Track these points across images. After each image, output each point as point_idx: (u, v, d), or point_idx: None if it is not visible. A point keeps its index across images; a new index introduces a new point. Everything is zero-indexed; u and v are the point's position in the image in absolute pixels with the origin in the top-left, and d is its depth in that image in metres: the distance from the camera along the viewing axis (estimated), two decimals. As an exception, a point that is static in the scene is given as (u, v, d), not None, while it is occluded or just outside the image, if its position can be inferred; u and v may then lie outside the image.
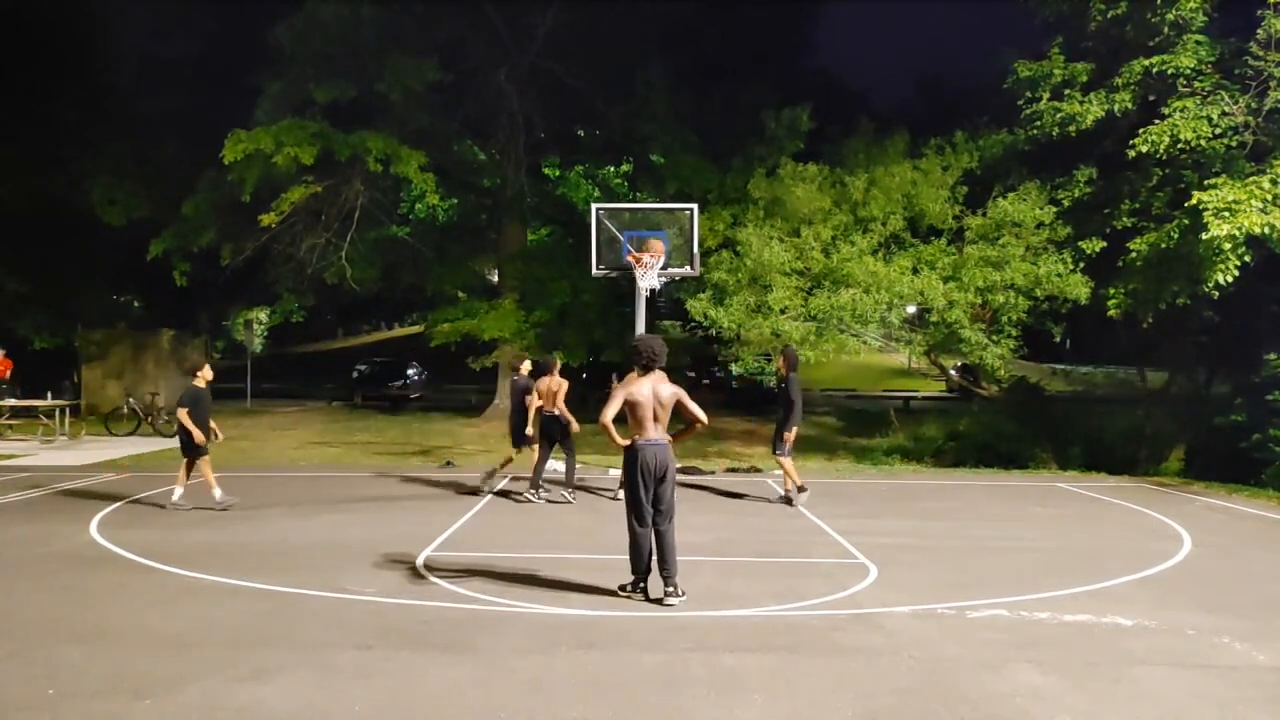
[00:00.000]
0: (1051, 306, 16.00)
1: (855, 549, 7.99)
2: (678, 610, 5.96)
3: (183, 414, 9.44)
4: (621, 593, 6.25)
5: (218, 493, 9.71)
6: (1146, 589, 6.78)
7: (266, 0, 19.26)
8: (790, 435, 10.37)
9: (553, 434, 10.52)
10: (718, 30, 24.59)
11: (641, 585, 6.23)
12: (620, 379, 10.43)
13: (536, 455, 10.68)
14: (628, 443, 6.22)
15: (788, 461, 10.52)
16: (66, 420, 17.27)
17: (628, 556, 6.28)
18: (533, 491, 10.53)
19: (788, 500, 10.61)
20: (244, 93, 19.23)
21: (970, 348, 15.83)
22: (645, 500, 6.12)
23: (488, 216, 24.46)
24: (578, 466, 11.24)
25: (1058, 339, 17.33)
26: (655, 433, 6.17)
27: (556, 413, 10.36)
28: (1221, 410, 14.71)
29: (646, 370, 6.26)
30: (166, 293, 24.16)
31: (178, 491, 9.76)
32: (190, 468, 9.74)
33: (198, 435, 9.44)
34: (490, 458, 15.94)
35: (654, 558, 6.21)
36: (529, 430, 10.53)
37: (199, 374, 9.74)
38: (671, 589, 6.07)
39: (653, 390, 6.19)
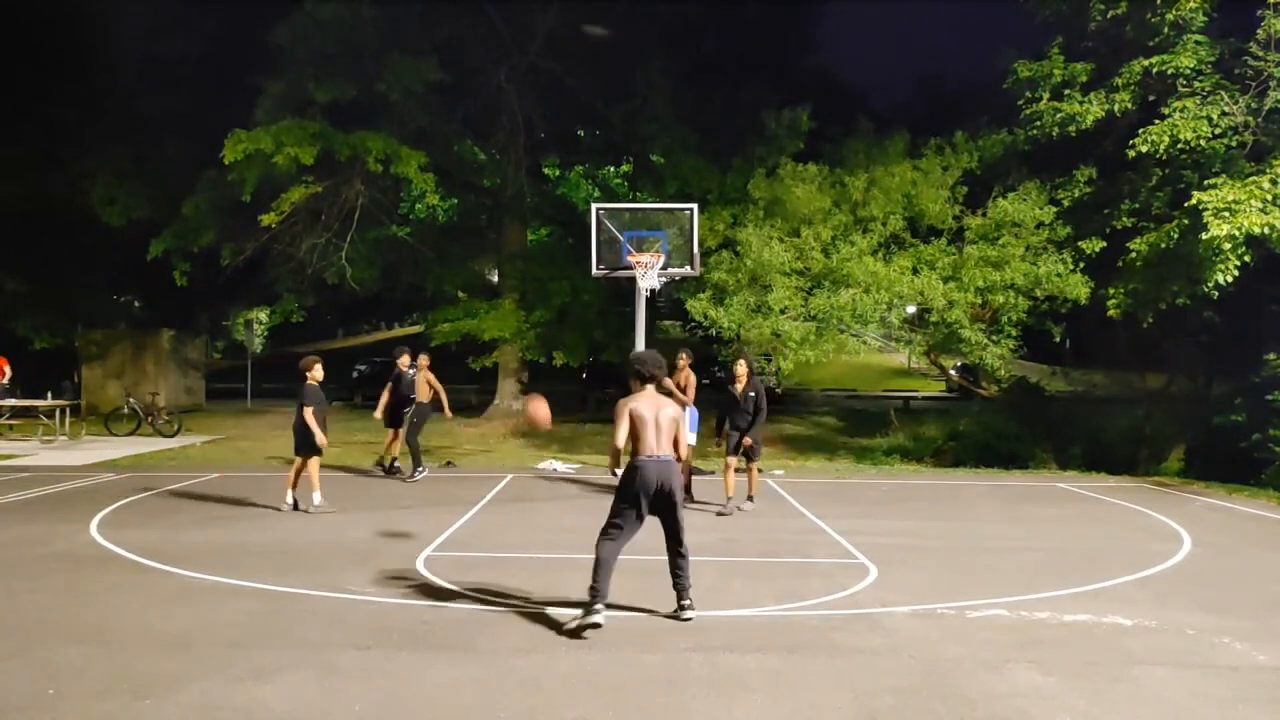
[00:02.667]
0: (1051, 306, 16.02)
1: (855, 549, 7.99)
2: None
3: (308, 413, 9.29)
4: (570, 625, 5.44)
5: (317, 497, 9.56)
6: (1146, 589, 6.78)
7: (266, 0, 19.25)
8: (749, 440, 9.80)
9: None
10: (718, 30, 24.63)
11: (595, 608, 5.40)
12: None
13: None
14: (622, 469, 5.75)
15: (731, 467, 9.93)
16: (66, 420, 17.26)
17: (590, 576, 5.53)
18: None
19: (749, 499, 10.08)
20: (244, 93, 19.20)
21: (970, 348, 15.84)
22: (632, 519, 5.61)
23: (488, 216, 24.44)
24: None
25: (1058, 339, 17.33)
26: (658, 449, 5.67)
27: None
28: (1221, 410, 14.71)
29: (646, 384, 5.86)
30: (166, 293, 24.14)
31: (316, 497, 9.54)
32: (303, 467, 9.56)
33: (320, 436, 9.36)
34: (490, 457, 15.97)
35: (671, 577, 5.76)
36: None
37: (311, 372, 9.48)
38: (686, 602, 5.71)
39: (655, 407, 5.75)
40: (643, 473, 5.58)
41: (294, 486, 9.68)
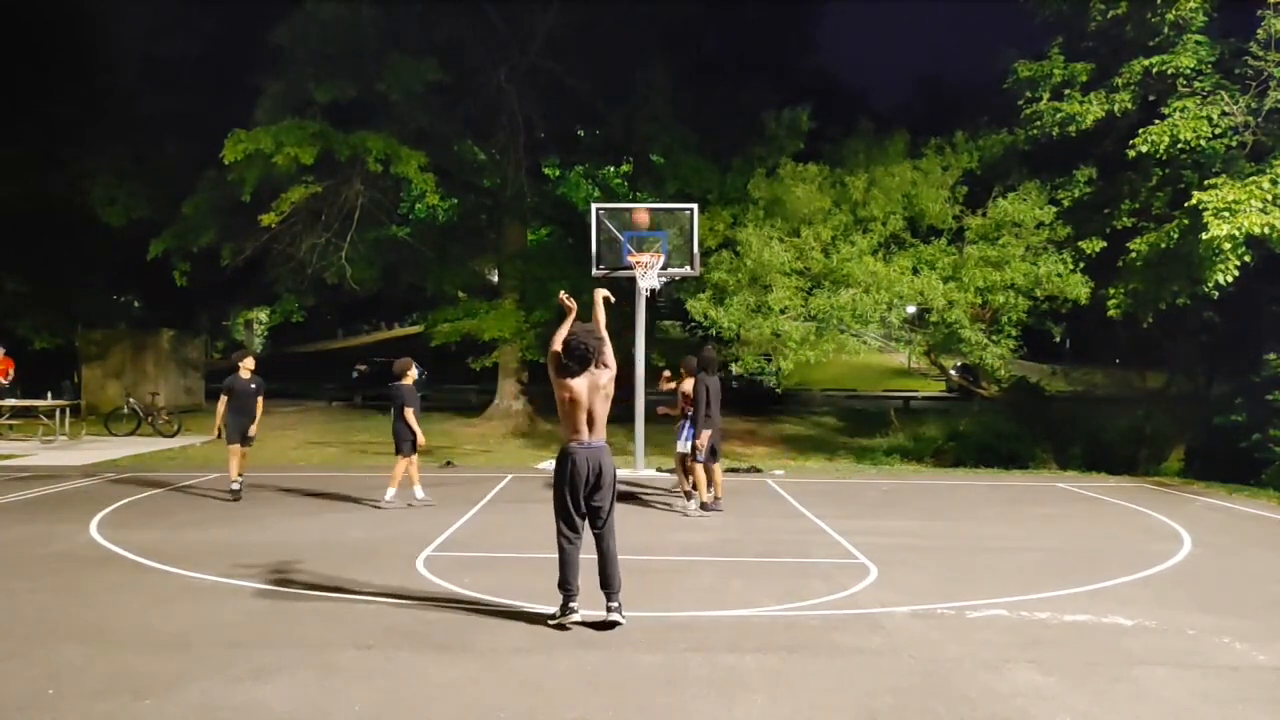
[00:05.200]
0: (1051, 306, 16.02)
1: (855, 549, 7.99)
2: (677, 610, 5.96)
3: (409, 414, 9.67)
4: (550, 622, 5.55)
5: (419, 490, 9.99)
6: (1146, 589, 6.78)
7: (266, 0, 19.25)
8: (701, 440, 9.48)
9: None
10: (718, 30, 24.62)
11: (570, 606, 5.51)
12: (673, 375, 10.30)
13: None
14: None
15: (699, 469, 9.63)
16: (66, 420, 17.26)
17: (557, 577, 5.56)
18: None
19: (703, 506, 9.72)
20: (244, 93, 19.19)
21: (970, 348, 15.84)
22: (574, 510, 5.49)
23: (488, 216, 24.44)
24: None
25: (1058, 339, 17.34)
26: (590, 435, 5.51)
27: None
28: (1221, 410, 14.72)
29: (584, 367, 5.51)
30: (166, 293, 24.13)
31: (390, 491, 9.92)
32: (406, 465, 9.92)
33: (421, 437, 9.76)
34: (490, 457, 15.97)
35: (599, 573, 5.55)
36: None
37: (408, 374, 9.86)
38: (615, 605, 5.49)
39: (590, 386, 5.50)
40: (573, 458, 5.48)
41: (397, 484, 9.99)
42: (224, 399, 10.36)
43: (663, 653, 5.09)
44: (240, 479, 10.49)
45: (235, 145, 17.02)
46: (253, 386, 10.43)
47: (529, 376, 22.88)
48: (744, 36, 24.38)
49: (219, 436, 10.62)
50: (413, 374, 9.97)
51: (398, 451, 9.86)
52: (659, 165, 21.53)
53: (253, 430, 10.51)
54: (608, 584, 5.51)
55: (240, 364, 10.49)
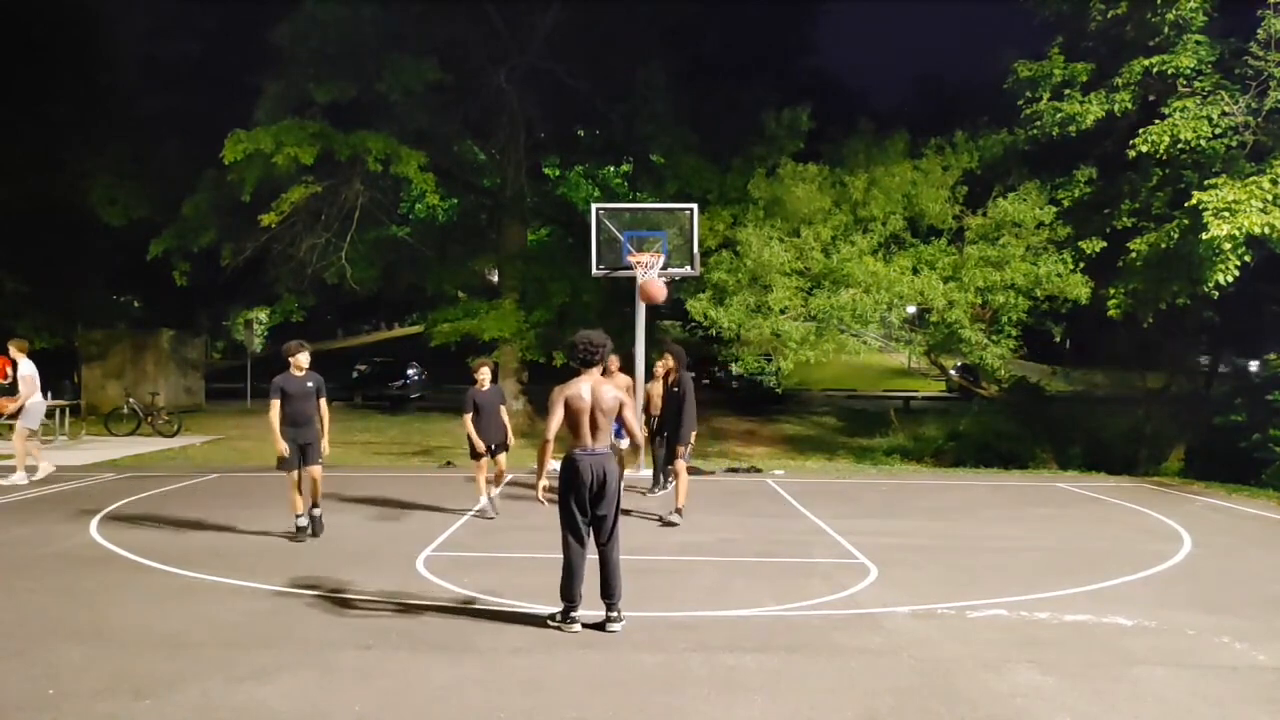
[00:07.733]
0: (1051, 306, 16.03)
1: (855, 549, 7.99)
2: (677, 610, 5.96)
3: (466, 420, 9.40)
4: (550, 623, 5.60)
5: (483, 499, 9.73)
6: (1146, 589, 6.78)
7: (266, 0, 19.26)
8: (688, 445, 9.35)
9: None
10: (718, 30, 24.64)
11: (572, 616, 5.51)
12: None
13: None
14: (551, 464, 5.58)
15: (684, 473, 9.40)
16: (66, 420, 17.25)
17: (559, 582, 5.55)
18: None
19: (676, 511, 9.16)
20: (244, 93, 19.22)
21: (970, 348, 15.85)
22: (580, 518, 5.48)
23: (488, 216, 24.47)
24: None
25: (1058, 339, 17.36)
26: (594, 442, 5.51)
27: None
28: (1221, 410, 14.72)
29: (586, 365, 5.61)
30: (166, 293, 24.14)
31: (494, 491, 9.84)
32: (494, 470, 9.74)
33: (478, 444, 9.29)
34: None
35: (600, 580, 5.54)
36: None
37: (477, 377, 9.49)
38: (614, 614, 5.50)
39: (592, 393, 5.52)
40: (579, 465, 5.46)
41: (500, 484, 9.92)
42: (276, 405, 7.99)
43: (663, 653, 5.09)
44: (303, 512, 8.33)
45: (235, 145, 17.03)
46: (309, 386, 8.16)
47: (529, 376, 22.88)
48: (743, 36, 24.38)
49: (280, 464, 8.11)
50: (479, 376, 9.42)
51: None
52: (659, 165, 21.54)
53: (324, 447, 8.34)
54: (609, 594, 5.52)
55: (292, 359, 8.14)
